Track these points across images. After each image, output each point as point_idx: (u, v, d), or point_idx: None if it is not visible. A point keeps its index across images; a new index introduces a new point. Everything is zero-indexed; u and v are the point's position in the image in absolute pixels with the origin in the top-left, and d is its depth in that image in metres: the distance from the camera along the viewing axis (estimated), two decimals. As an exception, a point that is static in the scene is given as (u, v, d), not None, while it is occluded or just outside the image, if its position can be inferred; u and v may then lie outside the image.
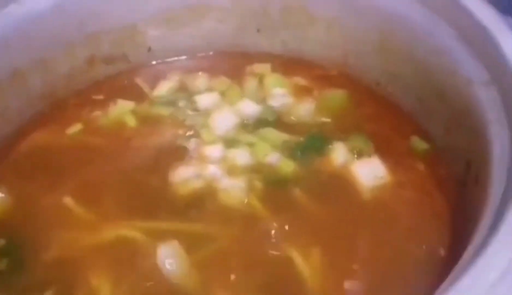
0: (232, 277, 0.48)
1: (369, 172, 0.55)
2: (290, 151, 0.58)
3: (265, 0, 0.67)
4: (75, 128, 0.64)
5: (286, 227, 0.51)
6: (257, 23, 0.69)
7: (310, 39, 0.68)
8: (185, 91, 0.68)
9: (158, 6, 0.68)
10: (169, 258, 0.49)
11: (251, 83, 0.68)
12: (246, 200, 0.53)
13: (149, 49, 0.71)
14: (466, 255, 0.36)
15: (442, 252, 0.48)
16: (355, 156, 0.57)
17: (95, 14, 0.66)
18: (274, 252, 0.50)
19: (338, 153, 0.57)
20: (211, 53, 0.72)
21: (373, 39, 0.62)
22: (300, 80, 0.67)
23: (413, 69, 0.60)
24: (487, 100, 0.48)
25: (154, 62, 0.72)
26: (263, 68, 0.69)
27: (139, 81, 0.70)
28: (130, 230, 0.52)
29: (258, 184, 0.55)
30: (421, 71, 0.59)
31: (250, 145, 0.59)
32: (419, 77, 0.59)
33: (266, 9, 0.68)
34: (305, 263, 0.49)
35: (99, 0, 0.66)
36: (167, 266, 0.48)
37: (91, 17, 0.65)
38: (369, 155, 0.57)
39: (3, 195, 0.56)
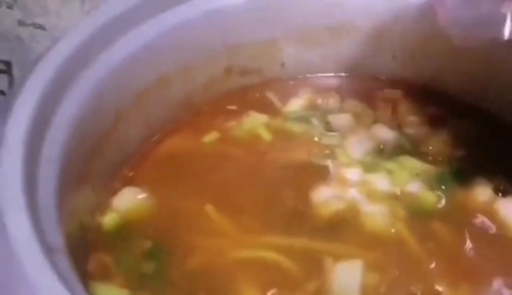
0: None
1: (514, 212, 0.54)
2: (430, 182, 0.58)
3: (407, 27, 0.67)
4: (211, 136, 0.65)
5: (433, 260, 0.51)
6: (393, 49, 0.69)
7: (448, 70, 0.68)
8: (317, 110, 0.68)
9: (298, 24, 0.69)
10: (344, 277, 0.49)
11: (384, 109, 0.68)
12: (393, 228, 0.53)
13: (283, 65, 0.71)
14: None
15: None
16: (500, 194, 0.56)
17: (238, 27, 0.67)
18: (422, 284, 0.49)
19: (481, 189, 0.57)
20: (343, 74, 0.72)
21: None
22: (435, 110, 0.67)
23: None
24: None
25: (285, 78, 0.72)
26: (395, 94, 0.69)
27: (270, 95, 0.71)
28: (275, 246, 0.53)
29: (402, 212, 0.55)
30: None
31: (389, 171, 0.59)
32: None
33: (405, 36, 0.68)
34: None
35: (243, 15, 0.67)
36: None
37: (234, 30, 0.67)
38: (514, 195, 0.56)
39: (147, 195, 0.58)
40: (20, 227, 0.39)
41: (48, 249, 0.39)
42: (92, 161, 0.56)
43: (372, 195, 0.57)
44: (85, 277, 0.51)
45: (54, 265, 0.38)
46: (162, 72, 0.64)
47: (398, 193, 0.57)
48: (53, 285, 0.36)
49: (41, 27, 0.87)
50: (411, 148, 0.62)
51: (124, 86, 0.59)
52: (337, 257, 0.52)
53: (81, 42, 0.55)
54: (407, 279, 0.50)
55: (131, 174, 0.61)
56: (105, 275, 0.51)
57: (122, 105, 0.60)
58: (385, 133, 0.64)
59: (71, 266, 0.42)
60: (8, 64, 0.90)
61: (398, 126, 0.65)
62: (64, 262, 0.41)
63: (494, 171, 0.59)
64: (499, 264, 0.52)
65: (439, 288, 0.49)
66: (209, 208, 0.57)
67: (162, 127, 0.66)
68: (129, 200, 0.57)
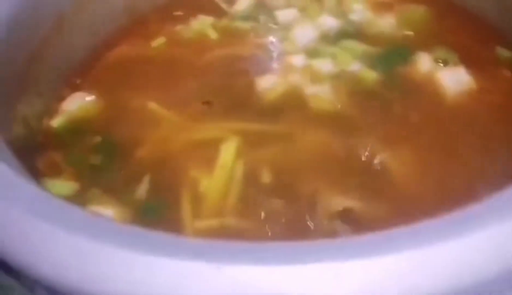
0: (329, 178, 0.49)
1: (454, 79, 0.55)
2: (372, 61, 0.59)
3: None
4: (159, 41, 0.65)
5: (376, 129, 0.52)
6: None
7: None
8: (264, 7, 0.68)
9: None
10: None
11: (329, 0, 0.68)
12: (334, 104, 0.54)
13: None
14: None
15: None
16: (440, 65, 0.57)
17: None
18: (367, 151, 0.50)
19: (423, 62, 0.58)
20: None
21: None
22: (380, -4, 0.67)
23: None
24: None
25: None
26: (342, -16, 0.69)
27: (217, -1, 0.70)
28: (221, 129, 0.53)
29: (344, 90, 0.56)
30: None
31: (332, 55, 0.60)
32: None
33: None
34: (396, 163, 0.49)
35: None
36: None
37: None
38: (455, 65, 0.57)
39: (95, 97, 0.58)
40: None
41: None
42: (34, 66, 0.56)
43: (316, 78, 0.58)
44: (36, 175, 0.52)
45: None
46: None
47: (340, 73, 0.57)
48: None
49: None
50: (355, 33, 0.63)
51: (63, -11, 0.59)
52: (282, 136, 0.52)
53: None
54: (353, 148, 0.51)
55: (79, 81, 0.61)
56: (55, 171, 0.52)
57: (63, 10, 0.60)
58: (330, 22, 0.64)
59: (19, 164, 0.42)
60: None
61: (343, 14, 0.65)
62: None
63: (436, 45, 0.59)
64: (439, 127, 0.52)
65: (383, 153, 0.50)
66: (153, 105, 0.57)
67: (108, 36, 0.66)
68: (78, 102, 0.58)
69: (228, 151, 0.51)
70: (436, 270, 0.28)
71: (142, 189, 0.49)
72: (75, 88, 0.60)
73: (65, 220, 0.29)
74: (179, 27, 0.66)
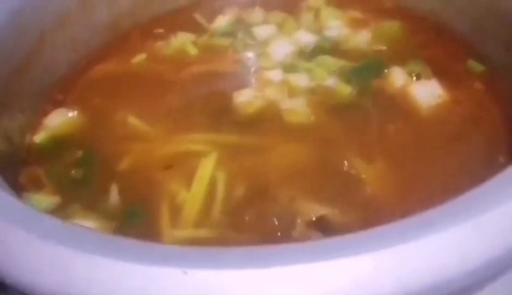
0: (304, 188, 0.50)
1: (427, 92, 0.57)
2: (347, 75, 0.60)
3: None
4: (139, 57, 0.67)
5: (351, 141, 0.53)
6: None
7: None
8: (242, 24, 0.70)
9: None
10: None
11: (306, 16, 0.70)
12: (309, 117, 0.56)
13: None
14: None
15: (501, 159, 0.50)
16: (413, 79, 0.59)
17: None
18: (340, 161, 0.52)
19: (396, 76, 0.59)
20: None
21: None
22: (355, 13, 0.69)
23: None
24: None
25: (213, -1, 0.74)
26: (317, 2, 0.71)
27: (197, 16, 0.72)
28: (200, 141, 0.54)
29: (320, 104, 0.57)
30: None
31: (308, 70, 0.61)
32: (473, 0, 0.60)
33: None
34: (370, 173, 0.50)
35: None
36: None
37: None
38: (427, 78, 0.58)
39: (77, 113, 0.59)
40: None
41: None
42: (16, 82, 0.57)
43: (292, 92, 0.59)
44: (18, 190, 0.53)
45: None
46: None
47: (316, 88, 0.59)
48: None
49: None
50: (330, 48, 0.64)
51: (46, 7, 0.61)
52: (259, 148, 0.54)
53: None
54: (327, 159, 0.52)
55: (61, 97, 0.63)
56: (37, 186, 0.53)
57: (45, 27, 0.61)
58: (306, 37, 0.66)
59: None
60: None
61: (319, 30, 0.67)
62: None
63: (409, 59, 0.61)
64: (412, 138, 0.54)
65: (356, 164, 0.51)
66: (133, 120, 0.58)
67: (90, 52, 0.67)
68: (60, 118, 0.59)
69: (206, 164, 0.52)
70: (400, 270, 0.29)
71: (112, 198, 0.50)
72: (58, 104, 0.62)
73: (41, 228, 0.30)
74: (159, 44, 0.68)
